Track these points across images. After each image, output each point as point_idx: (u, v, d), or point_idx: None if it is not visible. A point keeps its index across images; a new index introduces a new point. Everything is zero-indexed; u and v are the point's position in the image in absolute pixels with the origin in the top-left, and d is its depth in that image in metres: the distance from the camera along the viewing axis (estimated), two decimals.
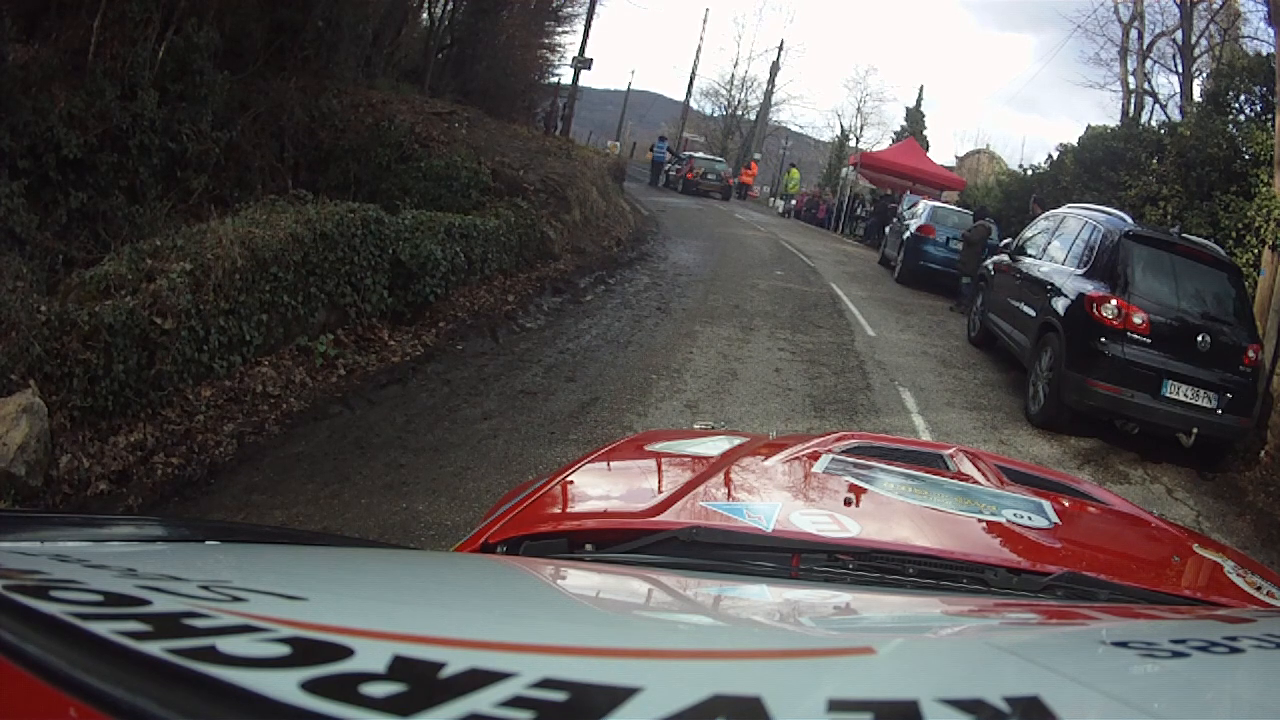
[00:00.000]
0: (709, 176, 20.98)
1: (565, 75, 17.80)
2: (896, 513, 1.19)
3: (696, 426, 4.67)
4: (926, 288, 10.72)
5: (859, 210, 19.84)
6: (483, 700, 0.36)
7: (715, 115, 33.56)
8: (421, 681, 0.38)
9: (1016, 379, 6.55)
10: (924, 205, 12.25)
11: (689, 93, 31.32)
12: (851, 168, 20.50)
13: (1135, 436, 5.57)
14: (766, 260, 11.48)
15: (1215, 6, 14.69)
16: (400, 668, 0.39)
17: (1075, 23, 25.50)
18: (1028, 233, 7.39)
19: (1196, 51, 14.98)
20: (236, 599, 0.49)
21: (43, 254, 5.19)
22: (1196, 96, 13.21)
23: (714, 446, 1.51)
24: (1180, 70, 15.27)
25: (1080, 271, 5.94)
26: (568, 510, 1.25)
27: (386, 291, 5.66)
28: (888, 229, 13.74)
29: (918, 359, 7.06)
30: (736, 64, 47.44)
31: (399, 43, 13.39)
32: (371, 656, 0.40)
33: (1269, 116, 7.89)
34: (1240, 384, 5.48)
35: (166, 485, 3.73)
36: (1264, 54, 9.31)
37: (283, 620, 0.44)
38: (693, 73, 41.84)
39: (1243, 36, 14.15)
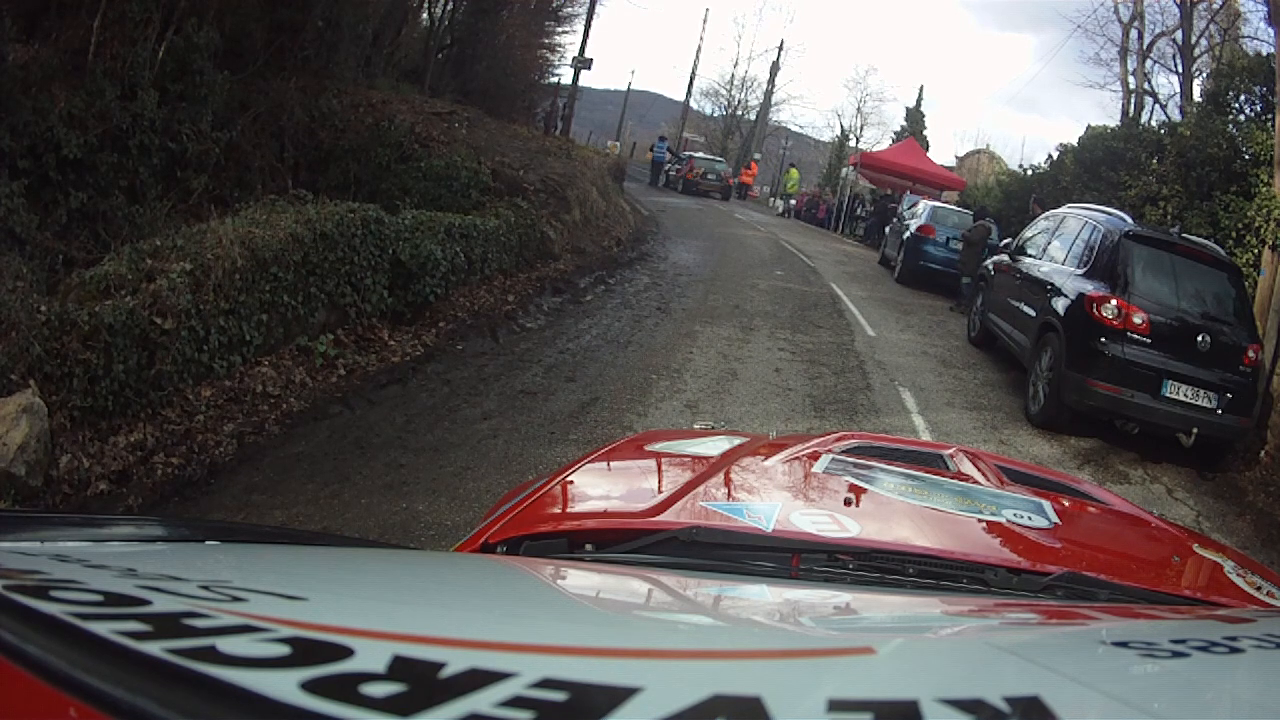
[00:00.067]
0: (709, 176, 20.98)
1: (565, 75, 17.83)
2: (896, 513, 1.19)
3: (696, 426, 4.67)
4: (926, 288, 10.72)
5: (859, 210, 19.85)
6: (483, 700, 0.36)
7: (715, 115, 33.60)
8: (421, 681, 0.38)
9: (1016, 379, 6.55)
10: (924, 205, 12.25)
11: (689, 93, 31.37)
12: (851, 168, 20.51)
13: (1135, 436, 5.57)
14: (766, 260, 11.48)
15: (1215, 6, 14.70)
16: (400, 668, 0.39)
17: (1075, 23, 25.54)
18: (1028, 233, 7.39)
19: (1196, 51, 14.99)
20: (236, 599, 0.49)
21: (43, 254, 5.19)
22: (1196, 96, 13.22)
23: (714, 446, 1.51)
24: (1180, 70, 15.28)
25: (1080, 271, 5.94)
26: (568, 510, 1.25)
27: (386, 291, 5.66)
28: (888, 229, 13.74)
29: (918, 359, 7.06)
30: (736, 64, 47.50)
31: (399, 43, 13.39)
32: (371, 656, 0.40)
33: (1269, 116, 7.89)
34: (1240, 384, 5.48)
35: (166, 485, 3.73)
36: (1264, 54, 9.31)
37: (283, 620, 0.44)
38: (693, 73, 41.88)
39: (1243, 36, 14.16)
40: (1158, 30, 15.94)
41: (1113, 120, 14.39)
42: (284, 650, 0.40)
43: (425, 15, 14.71)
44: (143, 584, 0.51)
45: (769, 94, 31.08)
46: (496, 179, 8.50)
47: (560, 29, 18.42)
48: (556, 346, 6.05)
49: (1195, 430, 5.35)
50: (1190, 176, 8.25)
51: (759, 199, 27.58)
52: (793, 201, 23.01)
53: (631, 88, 36.12)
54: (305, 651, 0.40)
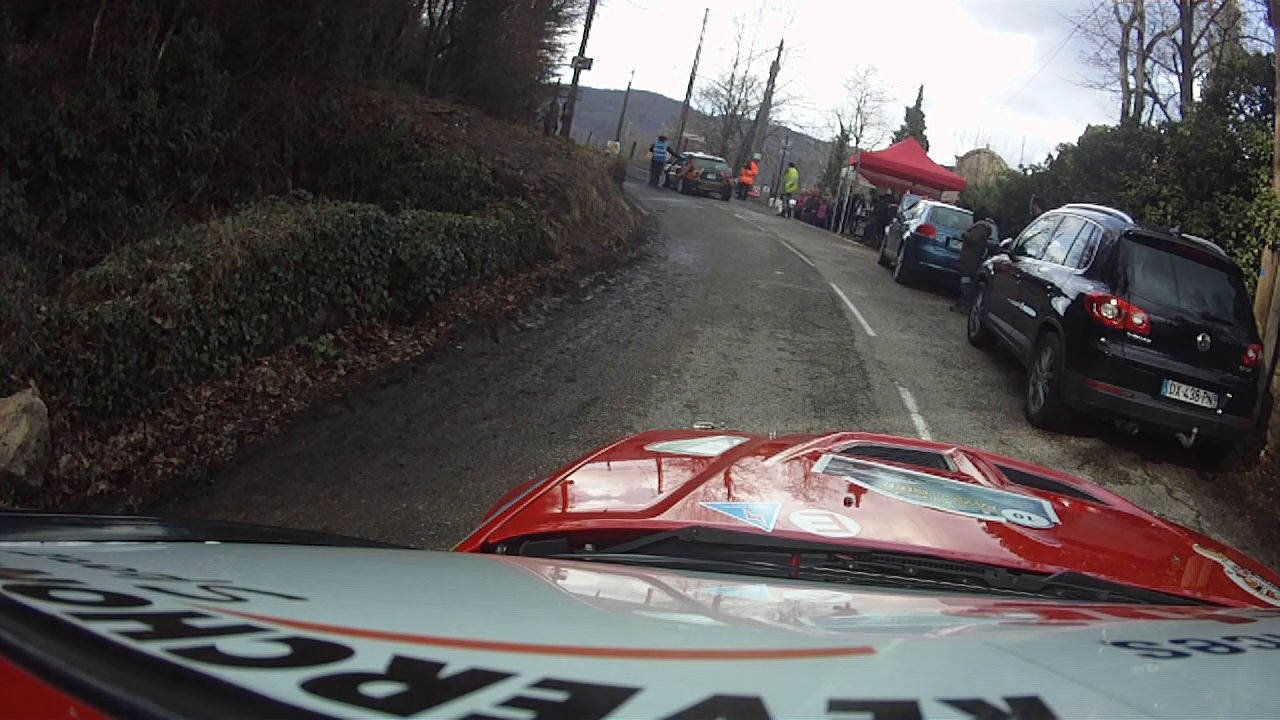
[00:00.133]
0: (709, 176, 20.97)
1: (565, 75, 17.83)
2: (896, 513, 1.19)
3: (696, 426, 4.67)
4: (926, 288, 10.72)
5: (859, 210, 19.84)
6: (483, 700, 0.36)
7: (715, 115, 33.59)
8: (421, 681, 0.38)
9: (1016, 379, 6.55)
10: (924, 205, 12.25)
11: (689, 93, 31.37)
12: (851, 168, 20.51)
13: (1135, 436, 5.56)
14: (766, 260, 11.48)
15: (1215, 6, 14.70)
16: (400, 668, 0.39)
17: (1075, 23, 25.54)
18: (1028, 233, 7.39)
19: (1196, 51, 14.99)
20: (236, 599, 0.49)
21: (43, 254, 5.19)
22: (1196, 96, 13.22)
23: (714, 446, 1.51)
24: (1180, 70, 15.28)
25: (1080, 271, 5.94)
26: (568, 510, 1.25)
27: (386, 291, 5.66)
28: (888, 229, 13.74)
29: (918, 359, 7.06)
30: (736, 64, 47.49)
31: (399, 43, 13.39)
32: (371, 656, 0.40)
33: (1269, 116, 7.89)
34: (1240, 384, 5.48)
35: (166, 485, 3.73)
36: (1264, 54, 9.31)
37: (283, 620, 0.44)
38: (693, 73, 41.89)
39: (1243, 36, 14.15)
40: (1158, 30, 15.97)
41: (1113, 120, 14.40)
42: (284, 650, 0.40)
43: (425, 15, 14.72)
44: (143, 584, 0.51)
45: (769, 94, 31.11)
46: (496, 179, 8.50)
47: (560, 29, 18.44)
48: (556, 346, 6.05)
49: (1195, 430, 5.35)
50: (1190, 176, 8.25)
51: (759, 199, 27.58)
52: (793, 201, 23.00)
53: (631, 88, 36.17)
54: (305, 651, 0.40)
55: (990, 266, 7.82)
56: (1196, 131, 8.44)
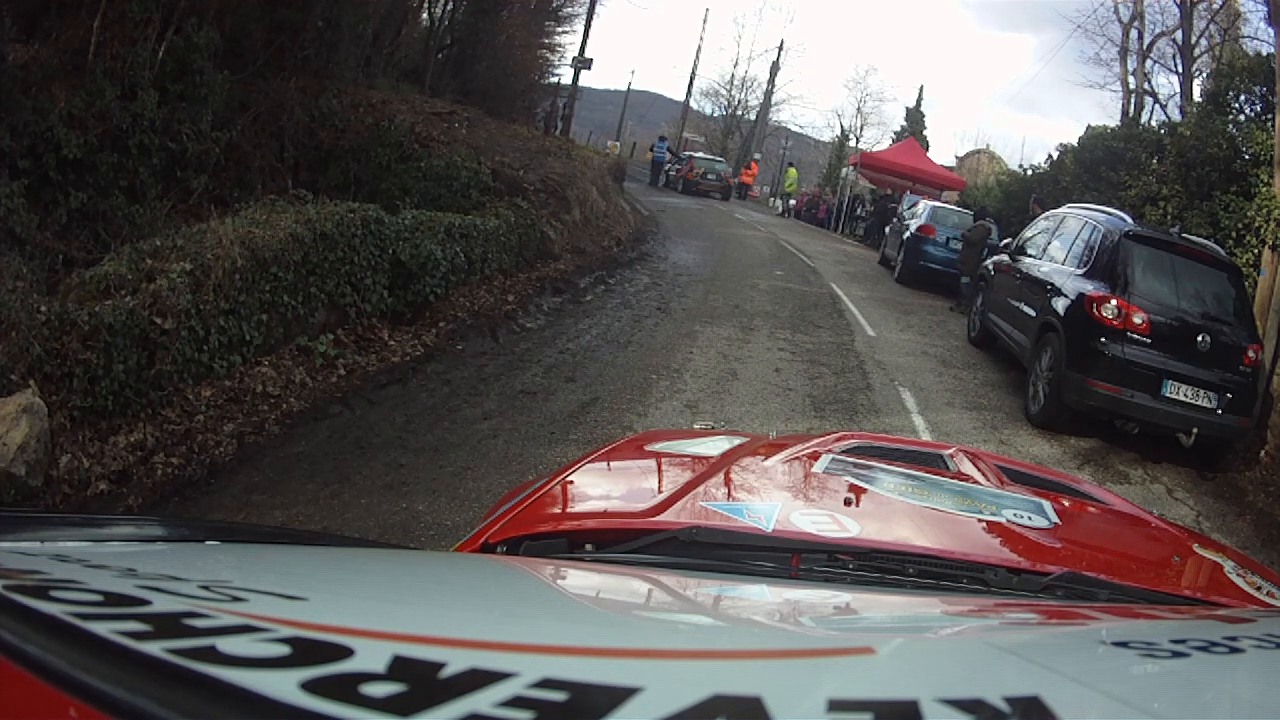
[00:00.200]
0: (709, 176, 20.98)
1: (565, 75, 17.82)
2: (896, 513, 1.19)
3: (696, 426, 4.67)
4: (926, 288, 10.72)
5: (859, 210, 19.84)
6: (483, 700, 0.36)
7: (715, 115, 33.59)
8: (421, 681, 0.38)
9: (1016, 379, 6.55)
10: (924, 205, 12.25)
11: (689, 93, 31.36)
12: (851, 168, 20.50)
13: (1135, 436, 5.56)
14: (766, 260, 11.48)
15: (1215, 6, 14.70)
16: (400, 668, 0.39)
17: (1075, 23, 25.53)
18: (1028, 233, 7.39)
19: (1196, 51, 14.99)
20: (236, 599, 0.49)
21: (43, 254, 5.19)
22: (1196, 96, 13.22)
23: (714, 446, 1.51)
24: (1180, 70, 15.28)
25: (1080, 271, 5.94)
26: (568, 510, 1.25)
27: (386, 291, 5.66)
28: (888, 229, 13.74)
29: (918, 359, 7.06)
30: (736, 64, 47.50)
31: (399, 43, 13.38)
32: (371, 656, 0.40)
33: (1269, 116, 7.89)
34: (1240, 384, 5.48)
35: (166, 485, 3.73)
36: (1264, 54, 9.31)
37: (283, 620, 0.44)
38: (693, 73, 41.89)
39: (1243, 36, 14.15)
40: (1158, 30, 15.97)
41: (1113, 120, 14.40)
42: (284, 650, 0.40)
43: (425, 15, 14.71)
44: (143, 584, 0.51)
45: (769, 94, 31.11)
46: (496, 179, 8.49)
47: (560, 29, 18.44)
48: (556, 346, 6.05)
49: (1195, 430, 5.35)
50: (1190, 176, 8.25)
51: (759, 199, 27.58)
52: (793, 201, 23.01)
53: (631, 88, 36.16)
54: (305, 651, 0.40)
55: (990, 266, 7.82)
56: (1196, 131, 8.44)
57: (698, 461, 1.40)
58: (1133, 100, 16.22)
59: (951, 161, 23.55)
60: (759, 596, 0.88)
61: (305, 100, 8.02)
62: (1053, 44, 72.45)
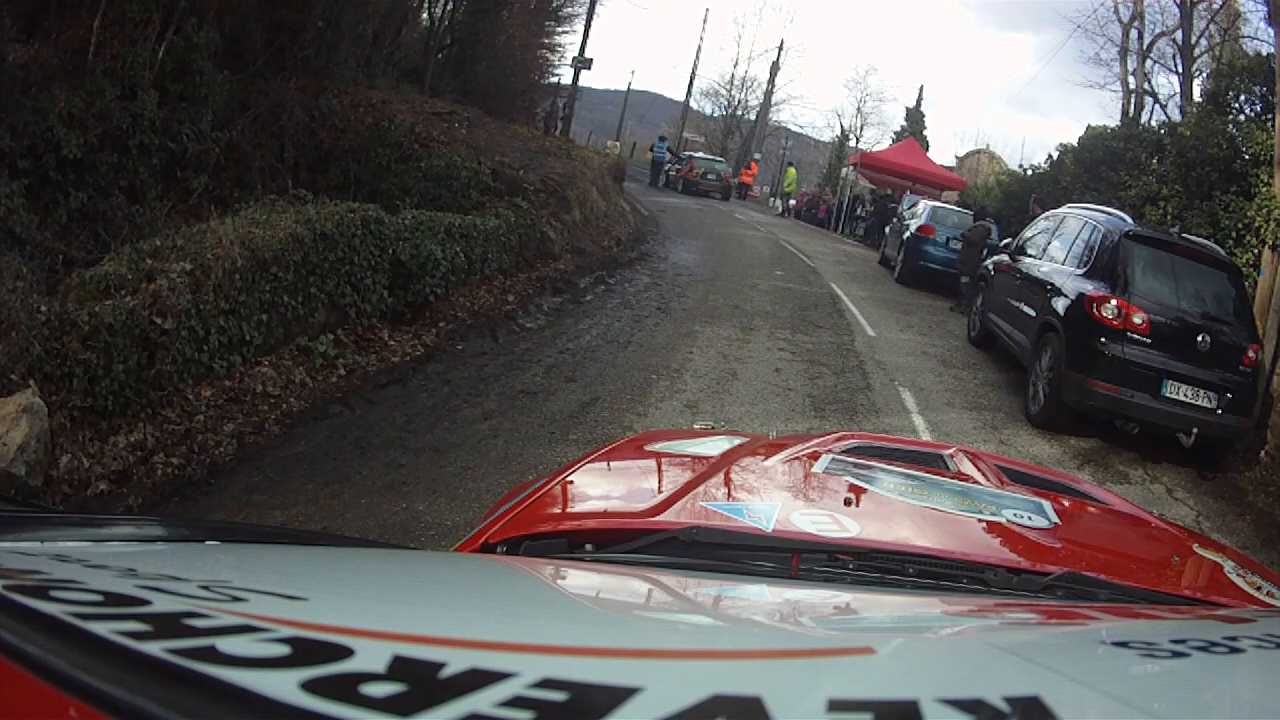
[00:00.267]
0: (709, 176, 20.98)
1: (565, 75, 17.82)
2: (896, 513, 1.19)
3: (696, 426, 4.67)
4: (926, 288, 10.73)
5: (859, 210, 19.84)
6: (483, 700, 0.36)
7: (715, 115, 33.60)
8: (421, 681, 0.38)
9: (1016, 379, 6.55)
10: (924, 205, 12.25)
11: (689, 93, 31.38)
12: (851, 168, 20.50)
13: (1135, 436, 5.57)
14: (766, 260, 11.48)
15: (1215, 6, 14.70)
16: (400, 668, 0.39)
17: (1075, 23, 25.51)
18: (1028, 233, 7.39)
19: (1196, 51, 14.99)
20: (236, 599, 0.49)
21: (43, 254, 5.19)
22: (1196, 96, 13.22)
23: (714, 446, 1.51)
24: (1180, 70, 15.28)
25: (1080, 271, 5.94)
26: (568, 510, 1.25)
27: (386, 291, 5.66)
28: (888, 229, 13.74)
29: (918, 359, 7.06)
30: (736, 64, 47.49)
31: (399, 43, 13.38)
32: (371, 656, 0.40)
33: (1269, 116, 7.89)
34: (1240, 384, 5.48)
35: (166, 485, 3.73)
36: (1264, 54, 9.31)
37: (283, 620, 0.44)
38: (693, 73, 41.91)
39: (1243, 36, 14.15)
40: (1158, 30, 15.97)
41: (1113, 120, 14.40)
42: (284, 650, 0.40)
43: (425, 15, 14.71)
44: (143, 584, 0.51)
45: (769, 94, 31.12)
46: (496, 179, 8.49)
47: (560, 29, 18.43)
48: (556, 346, 6.05)
49: (1195, 430, 5.35)
50: (1190, 176, 8.25)
51: (759, 199, 27.59)
52: (793, 201, 23.01)
53: (631, 88, 36.16)
54: (305, 651, 0.40)
55: (990, 266, 7.82)
56: (1196, 131, 8.44)
57: (698, 461, 1.40)
58: (1133, 100, 16.23)
59: (951, 161, 23.56)
60: (759, 596, 0.88)
61: (305, 100, 8.02)
62: (1053, 44, 72.50)
